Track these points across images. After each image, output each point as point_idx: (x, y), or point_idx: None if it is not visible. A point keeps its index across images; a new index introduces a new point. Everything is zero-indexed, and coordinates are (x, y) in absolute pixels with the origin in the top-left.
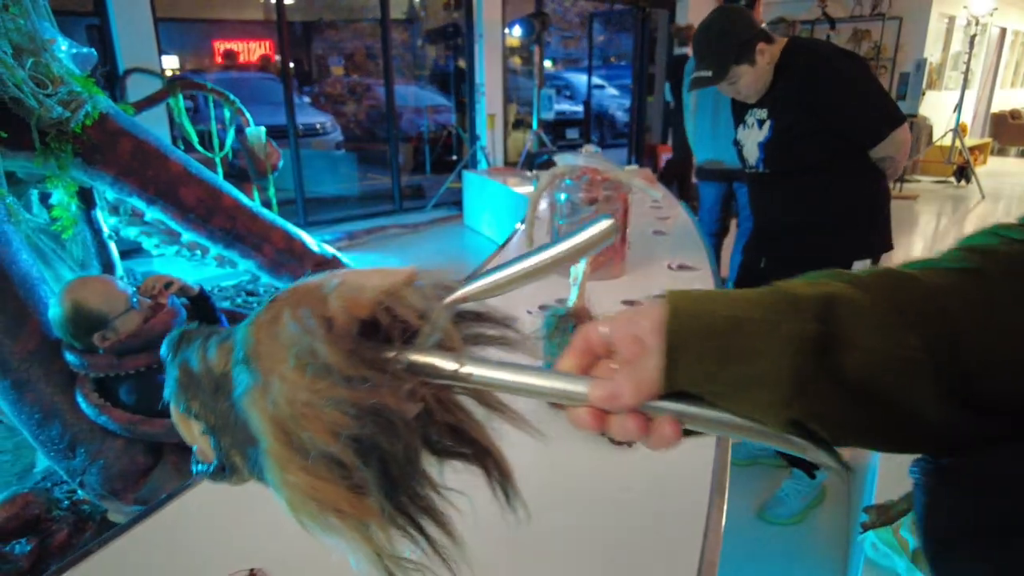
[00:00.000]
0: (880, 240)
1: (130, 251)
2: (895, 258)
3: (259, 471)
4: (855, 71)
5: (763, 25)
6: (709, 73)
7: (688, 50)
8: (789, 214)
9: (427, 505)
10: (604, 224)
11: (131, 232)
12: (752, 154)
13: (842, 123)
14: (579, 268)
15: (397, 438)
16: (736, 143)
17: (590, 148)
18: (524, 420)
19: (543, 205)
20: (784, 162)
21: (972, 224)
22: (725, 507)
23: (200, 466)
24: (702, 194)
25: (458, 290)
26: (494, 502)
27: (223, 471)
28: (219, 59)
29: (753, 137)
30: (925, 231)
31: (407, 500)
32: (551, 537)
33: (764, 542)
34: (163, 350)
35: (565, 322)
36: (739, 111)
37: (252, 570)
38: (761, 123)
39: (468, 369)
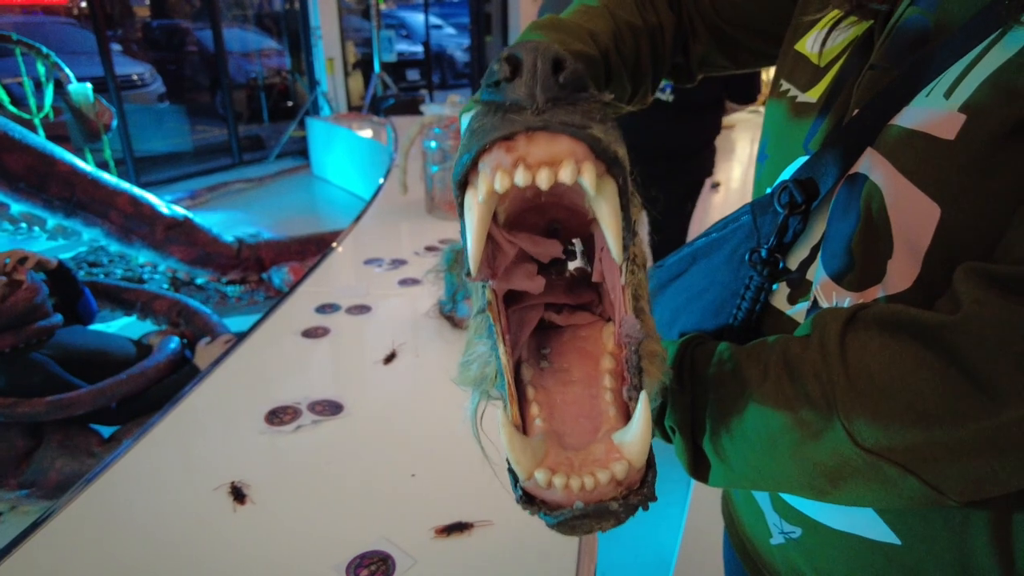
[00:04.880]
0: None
1: None
2: (722, 178)
3: None
4: None
5: None
6: None
7: None
8: (674, 139)
9: None
10: None
11: None
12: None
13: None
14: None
15: None
16: None
17: (455, 98)
18: None
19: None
20: (692, 94)
21: None
22: None
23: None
24: None
25: None
26: None
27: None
28: None
29: None
30: (742, 156)
31: None
32: None
33: None
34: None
35: (462, 256)
36: None
37: (233, 482)
38: None
39: None
